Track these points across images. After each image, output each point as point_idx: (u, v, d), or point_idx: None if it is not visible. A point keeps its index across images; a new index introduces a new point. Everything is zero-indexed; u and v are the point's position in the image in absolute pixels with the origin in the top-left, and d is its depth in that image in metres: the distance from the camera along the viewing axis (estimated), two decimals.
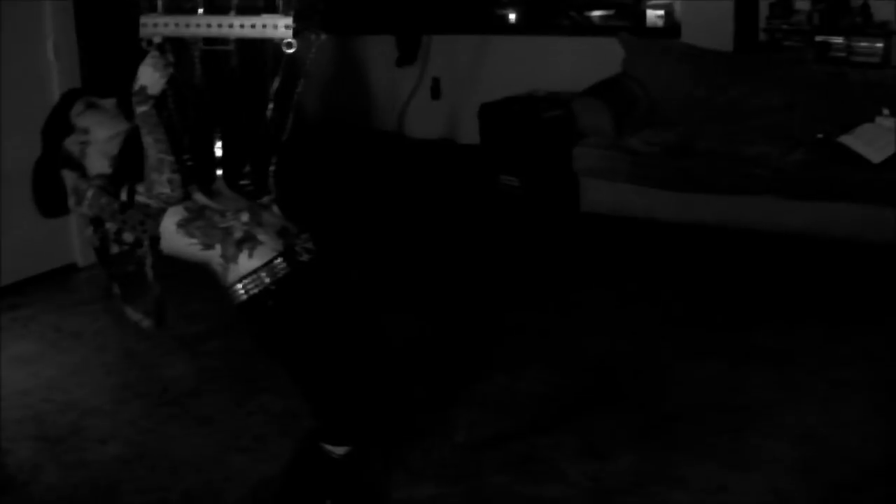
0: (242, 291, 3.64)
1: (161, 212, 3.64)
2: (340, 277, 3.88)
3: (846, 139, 6.74)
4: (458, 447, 4.61)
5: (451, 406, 4.98)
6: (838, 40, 7.52)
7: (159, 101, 3.64)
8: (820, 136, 6.94)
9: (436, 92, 9.68)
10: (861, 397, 4.92)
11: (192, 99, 3.72)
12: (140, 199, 3.66)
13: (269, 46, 3.60)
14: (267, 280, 3.61)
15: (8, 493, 4.37)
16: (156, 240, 3.69)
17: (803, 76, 7.38)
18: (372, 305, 4.10)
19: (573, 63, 8.71)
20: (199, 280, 6.71)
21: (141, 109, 3.56)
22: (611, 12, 9.26)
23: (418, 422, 4.83)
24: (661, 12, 8.71)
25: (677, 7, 8.60)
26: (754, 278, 6.42)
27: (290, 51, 3.50)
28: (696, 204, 7.00)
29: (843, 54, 7.51)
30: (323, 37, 3.67)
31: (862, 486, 4.21)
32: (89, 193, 3.78)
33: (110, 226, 3.75)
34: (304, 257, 3.70)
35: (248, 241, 3.62)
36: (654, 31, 8.67)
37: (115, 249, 3.77)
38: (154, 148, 3.55)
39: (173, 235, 3.68)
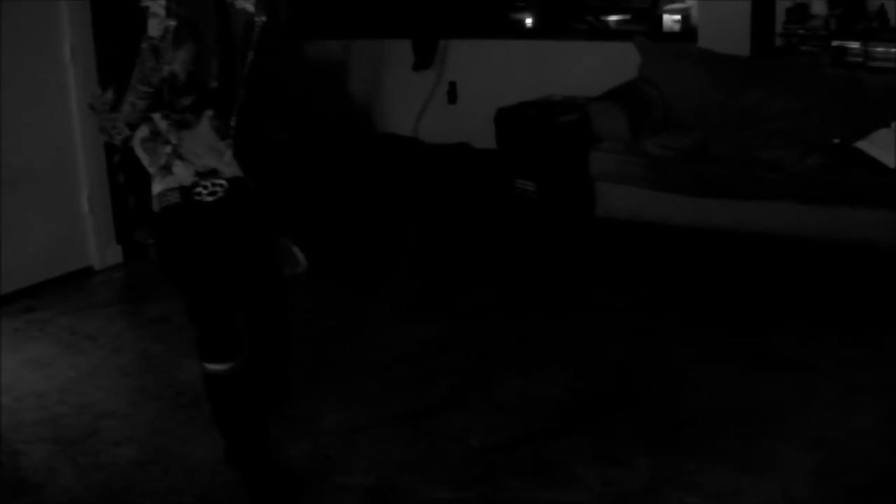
0: (155, 209, 4.21)
1: (130, 126, 4.20)
2: (240, 224, 4.27)
3: (862, 144, 6.72)
4: (473, 451, 4.61)
5: (466, 410, 4.98)
6: (855, 45, 7.48)
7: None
8: (836, 140, 6.92)
9: (452, 96, 9.68)
10: (876, 402, 4.91)
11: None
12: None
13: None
14: (158, 205, 4.18)
15: (23, 495, 4.39)
16: (126, 146, 4.27)
17: (819, 81, 7.36)
18: (268, 254, 4.46)
19: (589, 68, 8.69)
20: None
21: (143, 47, 4.07)
22: (627, 17, 9.26)
23: (432, 426, 4.84)
24: (678, 17, 8.69)
25: (694, 12, 8.59)
26: (770, 283, 6.41)
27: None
28: (712, 208, 6.98)
29: (859, 59, 7.47)
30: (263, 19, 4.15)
31: (876, 491, 4.21)
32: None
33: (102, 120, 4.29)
34: (204, 197, 4.14)
35: (165, 169, 4.16)
36: (671, 35, 8.66)
37: (105, 138, 4.36)
38: (134, 76, 4.09)
39: (137, 147, 4.24)
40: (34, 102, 6.53)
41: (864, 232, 6.46)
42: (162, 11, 4.04)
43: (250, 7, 4.09)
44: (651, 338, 5.74)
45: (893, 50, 7.31)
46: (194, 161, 4.18)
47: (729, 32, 8.00)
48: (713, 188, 6.94)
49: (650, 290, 6.42)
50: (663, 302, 6.23)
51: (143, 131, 4.20)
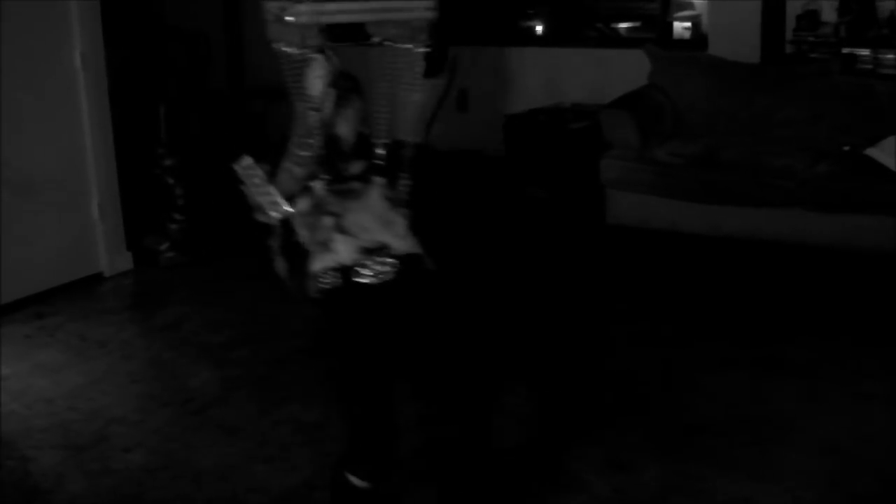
0: (312, 293, 3.62)
1: (288, 198, 3.60)
2: (414, 311, 3.71)
3: (872, 151, 6.72)
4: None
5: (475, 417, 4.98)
6: (865, 52, 7.48)
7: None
8: (846, 148, 6.92)
9: (462, 104, 9.68)
10: (885, 410, 4.90)
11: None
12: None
13: None
14: (315, 288, 3.60)
15: (33, 501, 4.38)
16: (286, 225, 3.64)
17: (829, 88, 7.36)
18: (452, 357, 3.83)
19: (600, 75, 8.70)
20: (222, 289, 6.77)
21: (300, 107, 3.52)
22: (637, 24, 9.26)
23: (442, 433, 4.83)
24: (688, 24, 8.70)
25: (704, 19, 8.60)
26: (779, 290, 6.40)
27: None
28: (722, 216, 6.99)
29: (869, 66, 7.48)
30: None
31: (886, 498, 4.20)
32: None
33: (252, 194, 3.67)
34: (367, 279, 3.57)
35: (323, 246, 3.57)
36: (681, 42, 8.67)
37: (260, 217, 3.66)
38: (291, 140, 3.53)
39: (297, 223, 3.63)
40: (44, 109, 6.54)
41: (874, 239, 6.46)
42: (324, 66, 3.51)
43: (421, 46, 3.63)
44: (661, 345, 5.73)
45: None
46: (359, 235, 3.59)
47: (739, 39, 8.00)
48: (723, 195, 6.95)
49: (660, 297, 6.41)
50: (673, 309, 6.22)
51: (303, 204, 3.61)
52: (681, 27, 8.75)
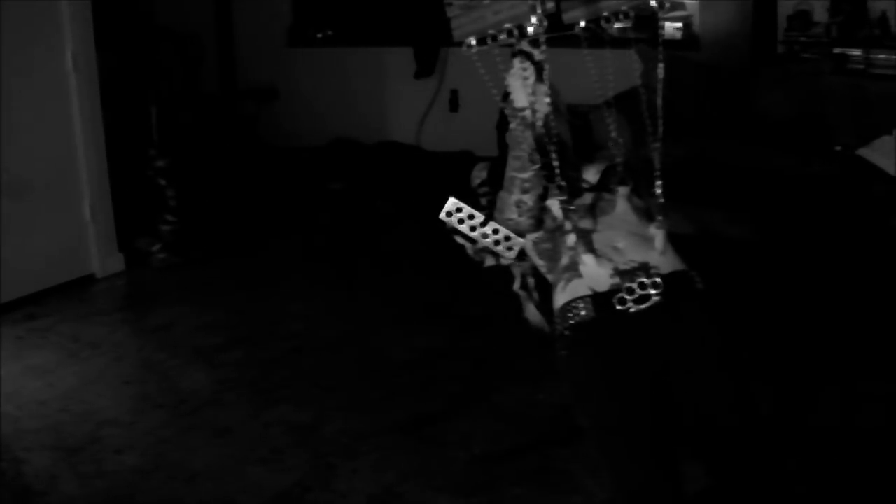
0: (559, 328, 3.05)
1: (518, 233, 3.11)
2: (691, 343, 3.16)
3: (864, 152, 6.71)
4: (475, 459, 4.60)
5: (468, 418, 4.98)
6: (856, 52, 7.50)
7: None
8: (837, 148, 6.92)
9: (454, 104, 9.67)
10: (885, 410, 4.89)
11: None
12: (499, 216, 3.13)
13: None
14: (563, 323, 3.03)
15: (25, 503, 4.38)
16: (520, 256, 3.18)
17: (821, 88, 7.35)
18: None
19: (590, 75, 8.69)
20: (215, 291, 6.76)
21: (511, 125, 3.14)
22: (628, 24, 9.24)
23: (435, 433, 4.83)
24: (680, 24, 8.69)
25: (695, 19, 8.60)
26: (773, 292, 6.39)
27: None
28: (713, 217, 6.97)
29: (861, 66, 7.49)
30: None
31: (885, 498, 4.20)
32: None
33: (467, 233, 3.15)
34: (627, 307, 2.98)
35: (570, 271, 3.04)
36: (672, 43, 8.66)
37: (488, 262, 3.25)
38: (510, 166, 3.10)
39: (531, 253, 3.17)
40: (36, 110, 6.51)
41: (868, 239, 6.45)
42: (525, 67, 3.17)
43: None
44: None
45: (895, 57, 7.31)
46: (612, 257, 3.04)
47: (730, 40, 8.00)
48: (714, 196, 6.94)
49: None
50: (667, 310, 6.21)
51: (536, 231, 3.14)
52: (672, 27, 8.74)
